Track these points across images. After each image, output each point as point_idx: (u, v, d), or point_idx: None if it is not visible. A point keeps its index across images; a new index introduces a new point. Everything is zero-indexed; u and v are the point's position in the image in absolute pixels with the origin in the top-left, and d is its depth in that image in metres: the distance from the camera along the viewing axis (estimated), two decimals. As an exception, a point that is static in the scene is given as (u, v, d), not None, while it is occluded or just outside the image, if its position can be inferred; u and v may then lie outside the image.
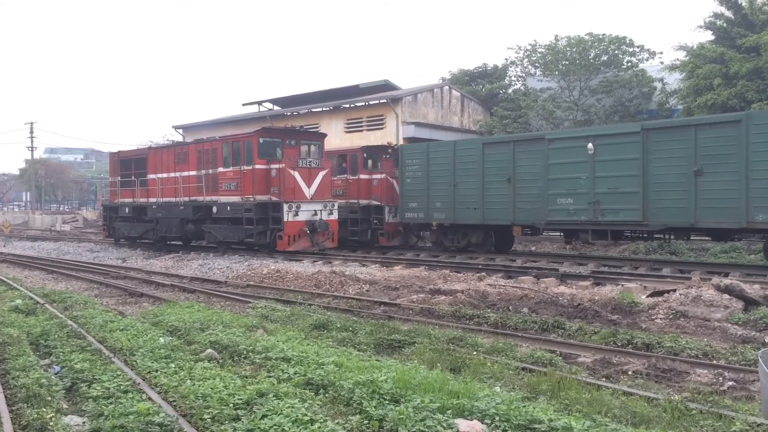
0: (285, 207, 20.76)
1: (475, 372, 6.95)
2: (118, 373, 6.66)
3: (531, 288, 12.77)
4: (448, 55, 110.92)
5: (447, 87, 38.49)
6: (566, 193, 17.99)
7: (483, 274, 15.74)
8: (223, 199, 22.32)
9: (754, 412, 5.53)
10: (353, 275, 15.69)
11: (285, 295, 13.64)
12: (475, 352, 7.88)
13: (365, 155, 24.98)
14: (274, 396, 5.56)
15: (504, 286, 13.36)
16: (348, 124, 36.34)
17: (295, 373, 6.44)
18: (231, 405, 5.41)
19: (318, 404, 5.49)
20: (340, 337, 8.87)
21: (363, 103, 36.07)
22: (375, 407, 5.23)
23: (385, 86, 39.03)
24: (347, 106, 36.65)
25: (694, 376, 7.03)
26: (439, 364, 7.18)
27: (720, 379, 6.88)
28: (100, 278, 17.43)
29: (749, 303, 10.16)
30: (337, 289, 14.17)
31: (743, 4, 26.58)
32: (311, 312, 10.93)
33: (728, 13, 26.92)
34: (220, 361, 7.43)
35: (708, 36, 27.84)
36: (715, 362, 7.41)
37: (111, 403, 5.59)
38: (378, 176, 24.57)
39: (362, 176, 24.59)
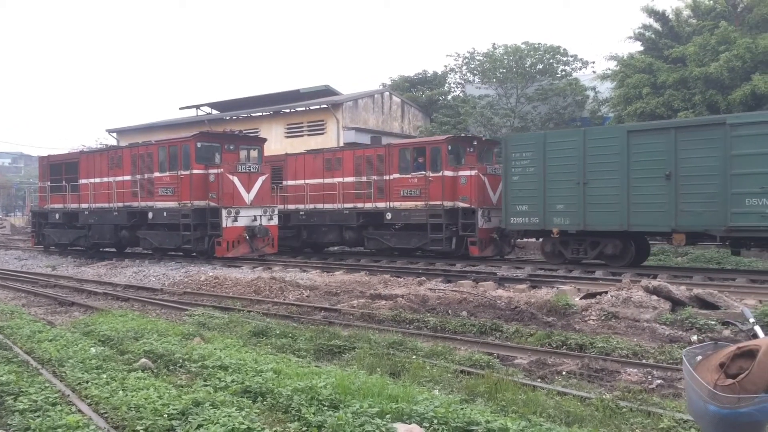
0: (224, 212, 20.44)
1: (415, 376, 6.99)
2: (47, 385, 6.40)
3: (470, 292, 12.96)
4: (389, 61, 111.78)
5: (387, 93, 38.73)
6: (761, 193, 14.33)
7: (423, 278, 15.88)
8: (160, 204, 21.79)
9: (681, 409, 5.76)
10: (293, 281, 15.58)
11: (223, 302, 13.42)
12: (414, 356, 7.93)
13: (450, 148, 20.70)
14: (210, 405, 5.45)
15: (444, 290, 13.52)
16: (288, 128, 36.09)
17: (232, 381, 6.33)
18: (165, 415, 5.27)
19: (256, 412, 5.41)
20: (279, 343, 8.78)
21: (303, 108, 35.91)
22: (314, 414, 5.19)
23: (326, 91, 38.98)
24: (288, 110, 36.42)
25: (624, 375, 7.26)
26: (379, 369, 7.19)
27: (649, 377, 7.13)
28: (28, 287, 16.73)
29: (676, 304, 10.58)
30: (277, 296, 14.04)
31: (670, 16, 27.76)
32: (250, 319, 10.78)
33: (656, 25, 28.05)
34: (155, 370, 7.24)
35: (637, 47, 28.95)
36: (644, 361, 7.68)
37: (38, 416, 5.37)
38: (466, 173, 20.27)
39: (447, 173, 20.34)
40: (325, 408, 5.36)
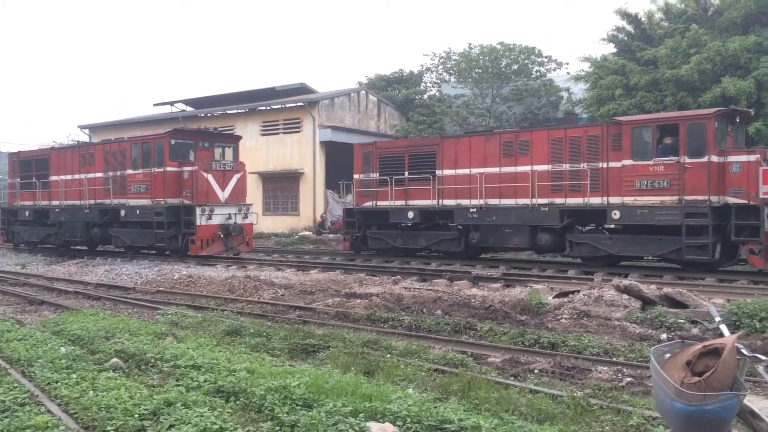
0: (198, 210, 20.26)
1: (389, 374, 7.01)
2: (15, 385, 6.30)
3: (445, 291, 13.03)
4: (365, 59, 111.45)
5: (364, 91, 38.71)
6: None
7: (398, 277, 15.91)
8: (132, 202, 21.53)
9: (650, 406, 5.85)
10: (268, 280, 15.51)
11: (197, 300, 13.31)
12: (389, 355, 7.96)
13: (716, 125, 15.27)
14: (182, 405, 5.41)
15: (419, 289, 13.56)
16: (264, 126, 35.89)
17: (205, 381, 6.29)
18: (136, 416, 5.22)
19: (228, 412, 5.38)
20: (253, 342, 8.74)
21: (279, 106, 35.73)
22: (287, 413, 5.19)
23: (302, 89, 38.83)
24: (263, 108, 36.21)
25: (595, 373, 7.36)
26: (353, 368, 7.20)
27: (619, 375, 7.24)
28: (-4, 286, 16.43)
29: (646, 302, 10.74)
30: (252, 294, 13.96)
31: (643, 19, 28.13)
32: (224, 318, 10.71)
33: (629, 28, 28.39)
34: (126, 370, 7.16)
35: (611, 48, 29.27)
36: (614, 359, 7.79)
37: (6, 417, 5.29)
38: (741, 158, 15.15)
39: (713, 158, 15.12)
40: (299, 407, 5.36)
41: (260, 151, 34.84)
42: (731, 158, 15.26)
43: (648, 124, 16.13)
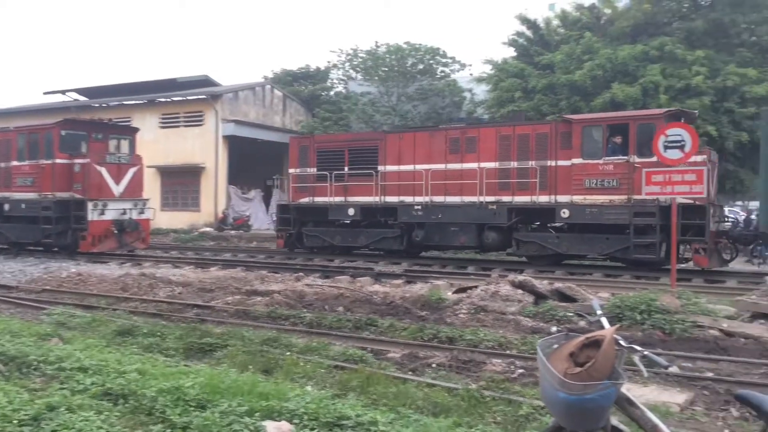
0: (89, 205, 19.33)
1: (288, 372, 6.94)
2: None
3: (347, 287, 13.05)
4: (271, 53, 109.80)
5: (269, 86, 38.15)
6: None
7: (301, 274, 15.80)
8: (18, 195, 20.29)
9: (539, 396, 6.09)
10: (165, 277, 14.99)
11: (87, 300, 12.67)
12: (289, 353, 7.87)
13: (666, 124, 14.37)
14: (66, 409, 5.11)
15: (321, 285, 13.51)
16: (164, 119, 34.66)
17: (92, 384, 5.98)
18: (15, 422, 4.89)
19: (116, 415, 5.14)
20: (146, 343, 8.41)
21: (181, 98, 34.61)
22: (179, 415, 5.02)
23: (205, 82, 37.74)
24: (163, 100, 34.98)
25: (490, 365, 7.58)
26: (251, 367, 7.07)
27: (512, 367, 7.50)
28: None
29: (539, 297, 11.19)
30: (146, 293, 13.44)
31: (541, 25, 29.31)
32: (115, 318, 10.25)
33: (528, 33, 29.51)
34: (6, 374, 6.71)
35: (511, 52, 30.32)
36: (508, 352, 8.07)
37: None
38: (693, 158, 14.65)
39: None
40: (192, 408, 5.19)
41: (159, 144, 33.58)
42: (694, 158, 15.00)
43: (598, 123, 16.34)
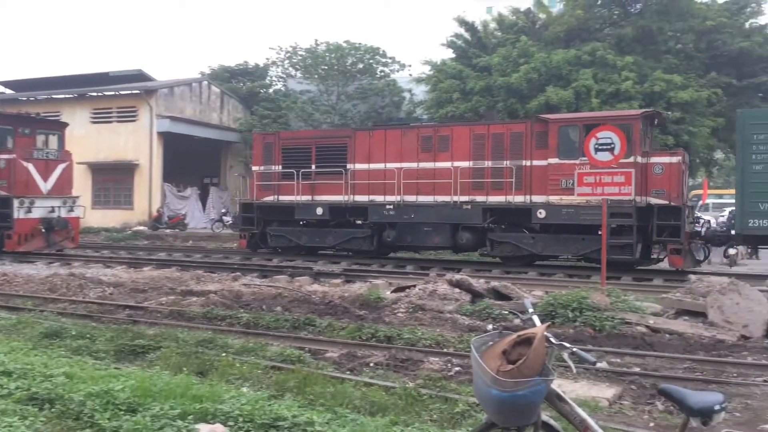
0: (15, 202, 18.54)
1: (224, 374, 6.83)
2: None
3: (285, 287, 12.95)
4: (209, 49, 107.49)
5: (206, 82, 37.47)
6: None
7: (238, 273, 15.58)
8: (-64, 191, 19.23)
9: (474, 393, 6.20)
10: (95, 278, 14.52)
11: (11, 301, 12.13)
12: (224, 354, 7.74)
13: (642, 126, 15.90)
14: (-12, 416, 4.90)
15: (259, 285, 13.38)
16: (95, 114, 33.58)
17: (16, 388, 5.73)
18: (-69, 431, 4.66)
19: (42, 420, 4.96)
20: (75, 345, 8.12)
21: (113, 93, 33.61)
22: (109, 419, 4.87)
23: (139, 76, 36.74)
24: (95, 94, 33.89)
25: (427, 363, 7.66)
26: (185, 368, 6.92)
27: (449, 365, 7.59)
28: None
29: (476, 296, 11.38)
30: (76, 294, 12.98)
31: (479, 27, 29.79)
32: (42, 319, 9.86)
33: (466, 35, 29.93)
34: None
35: (450, 53, 30.70)
36: (445, 350, 8.15)
37: None
38: (663, 159, 15.84)
39: (639, 159, 15.69)
40: (122, 413, 5.05)
41: (90, 140, 32.51)
42: (654, 159, 15.72)
43: (575, 123, 16.15)
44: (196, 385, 5.87)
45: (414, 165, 18.00)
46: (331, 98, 35.90)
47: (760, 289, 9.91)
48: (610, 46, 25.48)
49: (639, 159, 15.45)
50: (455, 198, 17.27)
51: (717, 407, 3.05)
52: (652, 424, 5.81)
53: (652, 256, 16.65)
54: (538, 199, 16.23)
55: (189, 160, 36.02)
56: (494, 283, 11.92)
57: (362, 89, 35.22)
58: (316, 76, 36.22)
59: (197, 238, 28.09)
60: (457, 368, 7.44)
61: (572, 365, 3.48)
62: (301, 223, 19.94)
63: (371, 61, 36.30)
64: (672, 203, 15.30)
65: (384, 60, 36.66)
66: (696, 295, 10.16)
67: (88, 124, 33.25)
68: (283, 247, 20.18)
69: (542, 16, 28.99)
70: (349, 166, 18.86)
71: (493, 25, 30.11)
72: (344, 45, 35.82)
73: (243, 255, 20.06)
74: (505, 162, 16.81)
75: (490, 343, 3.60)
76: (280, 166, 19.94)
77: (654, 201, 15.50)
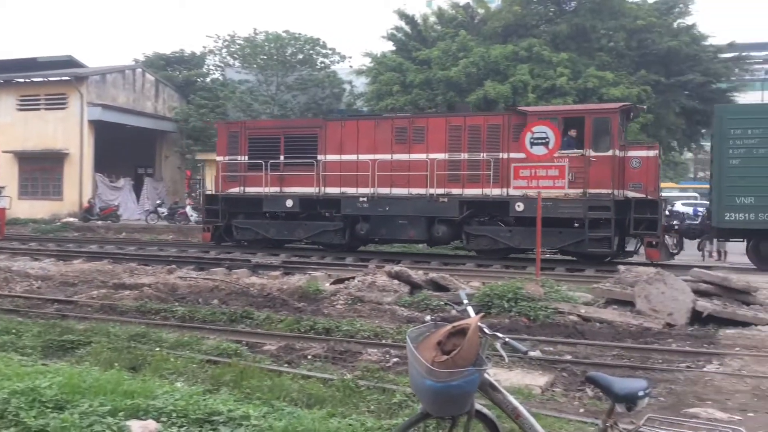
0: (-66, 192, 17.57)
1: (157, 369, 6.68)
2: None
3: (222, 279, 12.77)
4: (143, 36, 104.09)
5: (140, 70, 36.38)
6: None
7: (174, 266, 15.25)
8: None
9: (410, 384, 6.25)
10: (22, 271, 13.98)
11: (-71, 296, 11.54)
12: (158, 348, 7.57)
13: (620, 119, 16.04)
14: None
15: (195, 278, 13.15)
16: (22, 101, 32.17)
17: (-66, 388, 5.47)
18: None
19: (-39, 422, 4.74)
20: (0, 341, 7.80)
21: (41, 79, 32.25)
22: (35, 417, 4.70)
23: (69, 62, 35.34)
24: (22, 80, 32.46)
25: (366, 355, 7.69)
26: (117, 364, 6.74)
27: (387, 356, 7.64)
28: None
29: (414, 287, 11.49)
30: (1, 287, 12.45)
31: (419, 21, 29.93)
32: (-37, 315, 9.41)
33: (407, 28, 30.03)
34: None
35: (390, 46, 30.75)
36: (383, 342, 8.21)
37: None
38: (641, 153, 16.03)
39: (617, 153, 15.88)
40: (49, 410, 4.88)
41: (17, 128, 31.17)
42: (631, 153, 15.86)
43: (554, 116, 15.85)
44: (127, 381, 5.72)
45: (388, 157, 17.67)
46: (271, 89, 35.43)
47: (684, 279, 10.34)
48: (546, 43, 26.02)
49: (617, 153, 15.64)
50: (431, 191, 17.08)
51: (641, 393, 3.18)
52: (582, 410, 5.99)
53: (626, 249, 17.00)
54: (515, 192, 16.00)
55: (122, 150, 34.93)
56: (432, 275, 12.06)
57: (302, 80, 34.90)
58: (255, 66, 35.68)
59: (131, 230, 27.33)
60: (395, 359, 7.50)
61: (505, 355, 3.56)
62: (267, 215, 19.48)
63: (311, 51, 36.02)
64: (649, 197, 15.52)
65: (324, 51, 36.45)
66: (624, 285, 10.53)
67: (14, 111, 31.84)
68: (249, 240, 19.71)
69: (481, 11, 29.34)
70: (320, 157, 18.39)
71: (432, 19, 30.31)
72: (284, 35, 35.40)
73: (179, 248, 19.62)
74: (482, 154, 16.69)
75: (426, 334, 3.63)
76: (246, 157, 19.32)
77: (631, 194, 15.66)
